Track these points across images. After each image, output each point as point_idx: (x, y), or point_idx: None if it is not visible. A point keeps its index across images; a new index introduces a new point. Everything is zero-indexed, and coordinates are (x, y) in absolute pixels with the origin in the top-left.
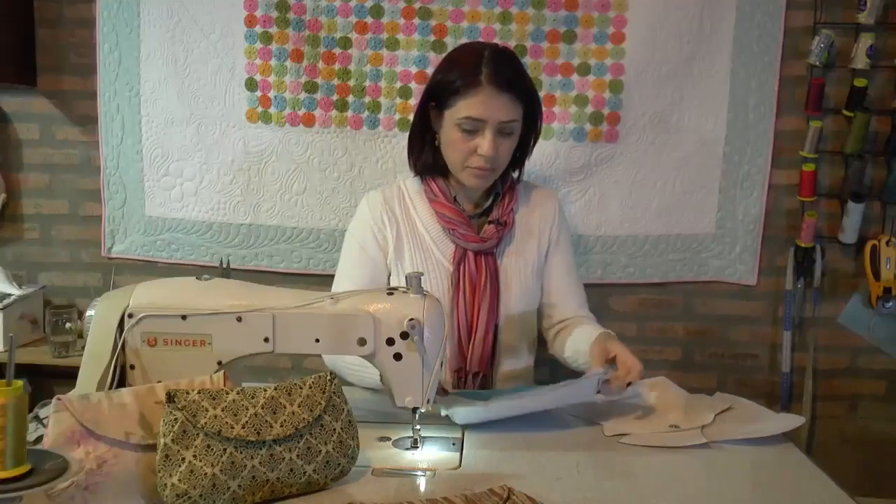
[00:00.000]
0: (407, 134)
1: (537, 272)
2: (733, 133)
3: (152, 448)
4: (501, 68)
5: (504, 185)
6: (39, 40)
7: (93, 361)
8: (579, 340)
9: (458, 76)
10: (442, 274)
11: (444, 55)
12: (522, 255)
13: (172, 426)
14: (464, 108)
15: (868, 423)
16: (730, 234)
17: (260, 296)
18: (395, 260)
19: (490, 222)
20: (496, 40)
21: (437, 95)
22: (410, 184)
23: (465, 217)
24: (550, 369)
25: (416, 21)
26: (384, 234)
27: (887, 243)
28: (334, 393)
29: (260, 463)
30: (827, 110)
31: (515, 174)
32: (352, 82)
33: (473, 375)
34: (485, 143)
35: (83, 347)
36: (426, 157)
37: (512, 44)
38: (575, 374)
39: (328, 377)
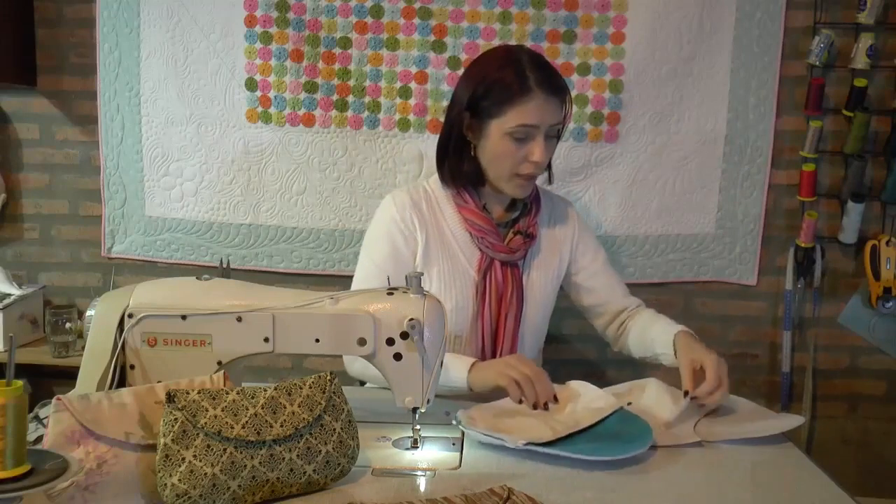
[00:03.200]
0: (407, 134)
1: (556, 282)
2: (733, 133)
3: (152, 448)
4: (548, 72)
5: (531, 195)
6: (39, 40)
7: (93, 361)
8: (654, 342)
9: (506, 85)
10: (467, 282)
11: (444, 55)
12: (546, 267)
13: (172, 426)
14: (516, 116)
15: (868, 423)
16: (730, 234)
17: (260, 296)
18: (423, 265)
19: (517, 233)
20: (496, 40)
21: (480, 105)
22: (436, 186)
23: (494, 226)
24: (550, 370)
25: (416, 21)
26: (415, 237)
27: (887, 243)
28: (334, 393)
29: (260, 463)
30: (827, 110)
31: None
32: (352, 82)
33: None
34: (538, 149)
35: (83, 347)
36: (468, 168)
37: (512, 44)
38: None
39: (328, 377)
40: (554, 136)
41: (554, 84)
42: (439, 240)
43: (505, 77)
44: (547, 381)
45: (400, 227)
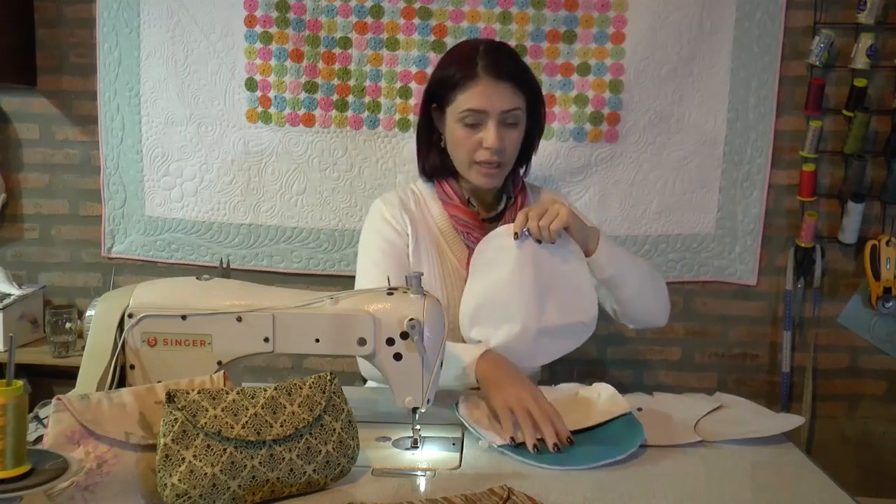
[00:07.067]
0: (407, 134)
1: None
2: (733, 133)
3: (152, 448)
4: (498, 58)
5: (515, 188)
6: (39, 40)
7: (93, 361)
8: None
9: (456, 71)
10: (457, 279)
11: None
12: None
13: (172, 426)
14: (464, 101)
15: (868, 423)
16: (730, 234)
17: (260, 296)
18: (413, 263)
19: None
20: (496, 40)
21: (437, 94)
22: (423, 187)
23: (479, 220)
24: (550, 370)
25: (416, 21)
26: (406, 232)
27: (887, 243)
28: (334, 393)
29: (260, 463)
30: (827, 110)
31: (522, 170)
32: (352, 82)
33: None
34: (489, 135)
35: (83, 347)
36: (433, 160)
37: (512, 44)
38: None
39: (328, 377)
40: (513, 123)
41: (502, 69)
42: (428, 238)
43: (457, 64)
44: (559, 421)
45: (391, 224)
